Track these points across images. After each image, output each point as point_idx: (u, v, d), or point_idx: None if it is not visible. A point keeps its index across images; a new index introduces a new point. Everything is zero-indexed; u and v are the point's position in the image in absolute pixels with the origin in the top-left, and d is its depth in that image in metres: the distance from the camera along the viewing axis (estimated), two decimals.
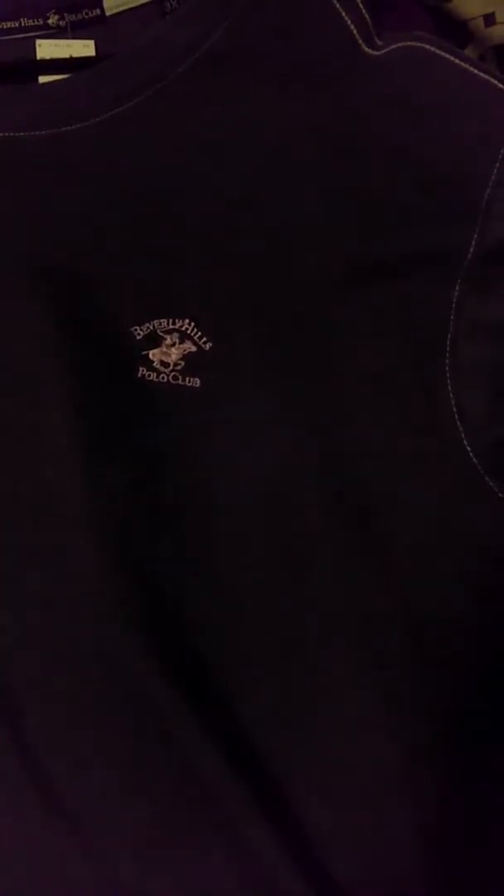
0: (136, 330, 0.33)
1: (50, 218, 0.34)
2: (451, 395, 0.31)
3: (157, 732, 0.29)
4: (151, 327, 0.33)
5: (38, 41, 0.36)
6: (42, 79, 0.36)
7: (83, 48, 0.36)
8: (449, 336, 0.31)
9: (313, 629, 0.30)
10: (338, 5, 0.35)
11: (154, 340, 0.33)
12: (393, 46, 0.34)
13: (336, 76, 0.34)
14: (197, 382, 0.32)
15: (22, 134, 0.35)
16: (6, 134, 0.35)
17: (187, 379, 0.32)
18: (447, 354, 0.31)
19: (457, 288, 0.31)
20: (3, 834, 0.30)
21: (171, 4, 0.36)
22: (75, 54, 0.36)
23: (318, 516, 0.31)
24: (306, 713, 0.30)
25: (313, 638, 0.30)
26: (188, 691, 0.29)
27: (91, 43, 0.36)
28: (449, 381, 0.31)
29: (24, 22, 0.36)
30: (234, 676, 0.30)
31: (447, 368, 0.31)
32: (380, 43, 0.34)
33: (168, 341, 0.33)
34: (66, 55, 0.36)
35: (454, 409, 0.31)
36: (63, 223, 0.34)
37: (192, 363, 0.32)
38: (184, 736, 0.29)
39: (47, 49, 0.36)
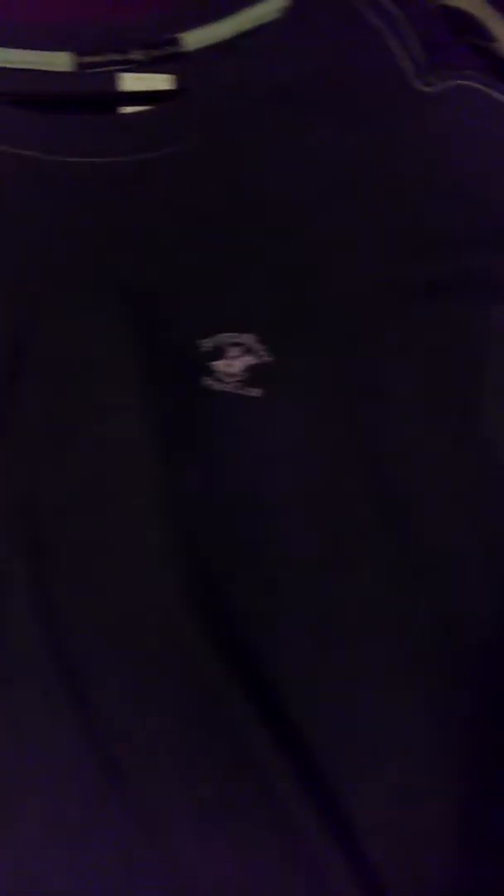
0: (202, 342, 0.35)
1: (129, 237, 0.37)
2: (493, 409, 0.33)
3: (217, 718, 0.31)
4: (217, 340, 0.35)
5: (121, 75, 0.39)
6: (124, 110, 0.39)
7: (163, 83, 0.39)
8: (491, 352, 0.34)
9: (355, 622, 0.32)
10: (392, 46, 0.38)
11: (219, 353, 0.35)
12: (444, 85, 0.37)
13: (391, 112, 0.37)
14: (258, 393, 0.34)
15: (104, 160, 0.38)
16: (89, 160, 0.38)
17: (249, 389, 0.35)
18: (490, 369, 0.34)
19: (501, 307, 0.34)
20: (67, 809, 0.31)
21: (248, 43, 0.39)
22: (157, 88, 0.39)
23: (364, 518, 0.33)
24: (350, 702, 0.31)
25: (355, 631, 0.32)
26: (244, 679, 0.31)
27: (171, 78, 0.39)
28: (491, 395, 0.33)
29: (110, 56, 0.39)
30: (283, 665, 0.31)
31: (490, 383, 0.34)
32: (432, 81, 0.37)
33: (232, 354, 0.35)
34: (148, 89, 0.38)
35: (496, 423, 0.33)
36: (140, 243, 0.37)
37: (254, 375, 0.35)
38: (239, 721, 0.30)
39: (129, 83, 0.39)
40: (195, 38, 0.39)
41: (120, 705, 0.31)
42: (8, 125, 0.38)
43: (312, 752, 0.30)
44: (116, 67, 0.39)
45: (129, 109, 0.39)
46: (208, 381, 0.35)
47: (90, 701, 0.31)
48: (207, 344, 0.35)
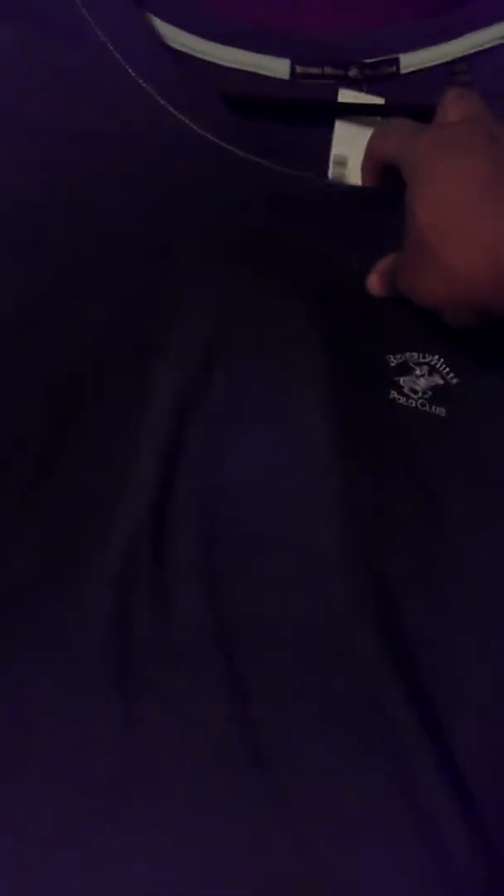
0: (390, 358, 0.37)
1: (325, 252, 0.39)
2: None
3: (376, 722, 0.31)
4: (404, 358, 0.37)
5: (341, 90, 0.40)
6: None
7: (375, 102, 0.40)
8: None
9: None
10: None
11: (405, 369, 0.37)
12: None
13: None
14: (443, 412, 0.36)
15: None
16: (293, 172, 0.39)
17: (434, 407, 0.36)
18: None
19: None
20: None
21: (462, 67, 0.40)
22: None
23: None
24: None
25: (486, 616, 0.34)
26: (409, 696, 0.32)
27: (381, 99, 0.40)
28: None
29: (327, 70, 0.40)
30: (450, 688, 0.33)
31: None
32: None
33: (418, 372, 0.37)
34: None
35: None
36: (338, 260, 0.39)
37: (438, 394, 0.36)
38: (401, 743, 0.31)
39: (348, 99, 0.40)
40: (410, 61, 0.41)
41: (280, 709, 0.32)
42: (224, 122, 0.39)
43: (467, 782, 0.31)
44: (332, 82, 0.40)
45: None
46: (394, 395, 0.37)
47: (251, 693, 0.32)
48: (395, 359, 0.37)
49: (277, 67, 0.40)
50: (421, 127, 0.33)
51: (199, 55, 0.40)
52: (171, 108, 0.37)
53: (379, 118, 0.40)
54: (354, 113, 0.40)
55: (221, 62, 0.40)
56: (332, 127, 0.41)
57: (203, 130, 0.38)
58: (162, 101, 0.38)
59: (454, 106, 0.34)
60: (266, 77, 0.40)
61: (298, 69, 0.40)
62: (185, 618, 0.33)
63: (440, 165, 0.30)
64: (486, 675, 0.33)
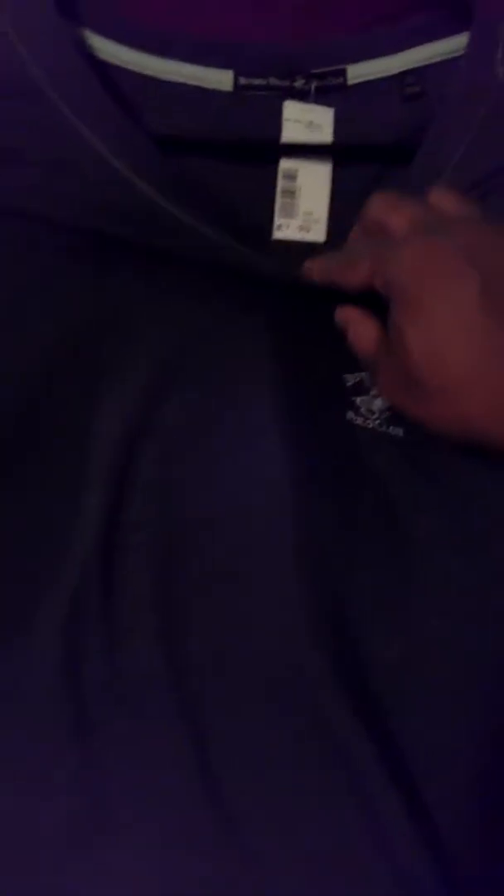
0: (346, 377, 0.36)
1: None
2: None
3: (338, 760, 0.31)
4: (360, 377, 0.36)
5: (286, 102, 0.39)
6: (283, 166, 0.39)
7: (323, 114, 0.39)
8: None
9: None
10: None
11: (362, 389, 0.36)
12: None
13: None
14: (400, 432, 0.35)
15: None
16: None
17: (391, 427, 0.35)
18: None
19: None
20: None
21: (411, 80, 0.39)
22: (316, 120, 0.39)
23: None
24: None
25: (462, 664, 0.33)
26: (370, 731, 0.31)
27: (331, 111, 0.39)
28: None
29: (272, 81, 0.39)
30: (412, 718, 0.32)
31: None
32: None
33: (374, 391, 0.36)
34: (308, 120, 0.38)
35: None
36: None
37: (395, 414, 0.35)
38: (364, 776, 0.31)
39: (293, 110, 0.39)
40: (359, 71, 0.39)
41: (238, 747, 0.31)
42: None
43: (440, 828, 0.31)
44: (277, 93, 0.39)
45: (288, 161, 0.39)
46: (351, 415, 0.36)
47: (207, 733, 0.31)
48: (352, 379, 0.36)
49: (220, 79, 0.39)
50: (398, 241, 0.32)
51: (138, 69, 0.38)
52: (116, 164, 0.35)
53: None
54: (300, 153, 0.39)
55: (161, 76, 0.38)
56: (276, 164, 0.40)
57: (144, 185, 0.35)
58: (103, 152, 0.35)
59: (445, 203, 0.34)
60: (208, 90, 0.39)
61: (242, 81, 0.39)
62: (137, 658, 0.32)
63: (431, 290, 0.29)
64: (448, 703, 0.32)
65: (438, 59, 0.39)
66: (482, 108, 0.37)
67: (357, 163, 0.40)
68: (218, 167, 0.38)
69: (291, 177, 0.39)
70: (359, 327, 0.34)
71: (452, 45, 0.40)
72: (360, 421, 0.36)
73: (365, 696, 0.32)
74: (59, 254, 0.35)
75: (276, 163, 0.40)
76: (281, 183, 0.39)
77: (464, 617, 0.33)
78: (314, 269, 0.35)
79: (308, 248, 0.39)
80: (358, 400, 0.36)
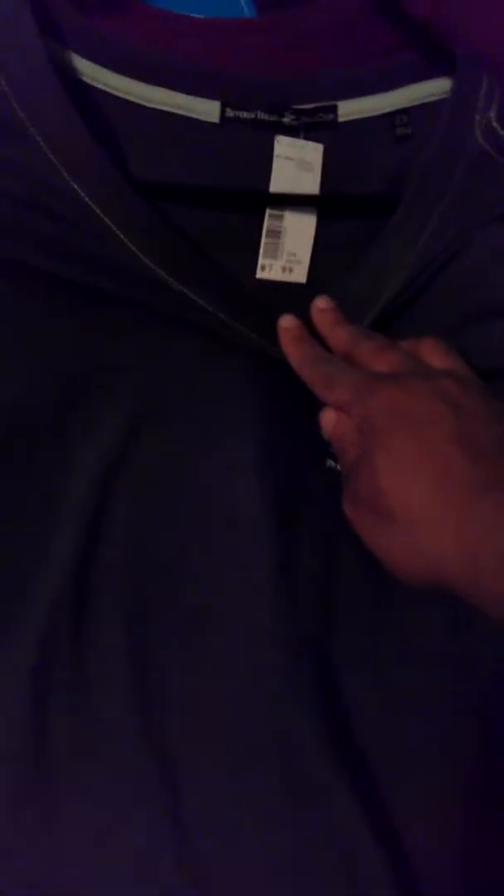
0: None
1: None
2: None
3: (317, 815, 0.31)
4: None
5: (278, 137, 0.38)
6: (269, 210, 0.38)
7: (314, 151, 0.38)
8: None
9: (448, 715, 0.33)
10: None
11: None
12: None
13: None
14: None
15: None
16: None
17: None
18: None
19: None
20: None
21: (402, 120, 0.38)
22: (307, 157, 0.38)
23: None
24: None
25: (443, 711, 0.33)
26: (350, 785, 0.31)
27: (321, 147, 0.38)
28: None
29: (260, 115, 0.38)
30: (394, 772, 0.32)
31: None
32: None
33: None
34: (299, 157, 0.37)
35: None
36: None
37: None
38: (343, 827, 0.30)
39: (285, 147, 0.38)
40: (349, 109, 0.38)
41: (210, 796, 0.31)
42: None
43: (420, 877, 0.31)
44: (266, 127, 0.38)
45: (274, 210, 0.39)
46: (331, 463, 0.36)
47: (179, 782, 0.31)
48: None
49: (206, 110, 0.37)
50: (373, 379, 0.32)
51: (124, 95, 0.37)
52: (97, 212, 0.34)
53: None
54: (287, 204, 0.38)
55: (147, 103, 0.37)
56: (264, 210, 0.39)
57: (126, 237, 0.34)
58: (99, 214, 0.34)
59: (433, 356, 0.33)
60: (194, 120, 0.37)
61: (229, 113, 0.37)
62: (108, 705, 0.32)
63: (406, 426, 0.29)
64: (432, 757, 0.32)
65: (425, 100, 0.39)
66: (462, 164, 0.38)
67: (344, 212, 0.39)
68: (203, 214, 0.37)
69: (278, 217, 0.39)
70: (343, 427, 0.33)
71: (438, 86, 0.39)
72: (339, 467, 0.35)
73: (343, 742, 0.32)
74: (42, 294, 0.34)
75: (263, 211, 0.39)
76: (267, 223, 0.39)
77: (441, 662, 0.33)
78: (293, 355, 0.35)
79: (290, 289, 0.39)
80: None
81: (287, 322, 0.36)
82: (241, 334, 0.36)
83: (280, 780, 0.31)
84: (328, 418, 0.34)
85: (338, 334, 0.36)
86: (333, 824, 0.30)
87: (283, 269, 0.39)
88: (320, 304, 0.37)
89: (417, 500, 0.28)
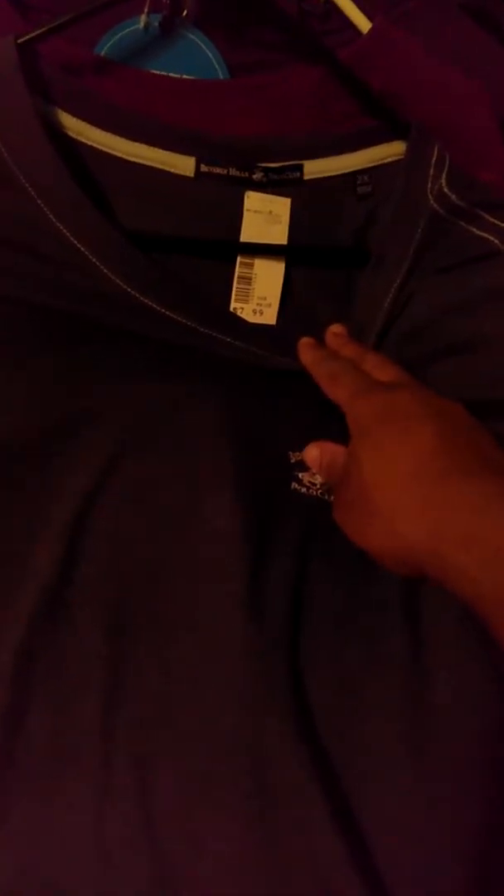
0: (290, 455, 0.39)
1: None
2: None
3: (285, 823, 0.31)
4: (302, 456, 0.39)
5: (248, 192, 0.41)
6: (240, 258, 0.42)
7: (282, 205, 0.42)
8: None
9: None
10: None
11: (304, 466, 0.38)
12: None
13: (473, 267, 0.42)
14: None
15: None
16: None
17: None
18: None
19: None
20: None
21: (364, 179, 0.42)
22: (275, 210, 0.41)
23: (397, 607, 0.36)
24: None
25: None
26: (321, 790, 0.31)
27: (288, 201, 0.42)
28: None
29: (232, 171, 0.41)
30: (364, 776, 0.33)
31: None
32: None
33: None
34: (267, 210, 0.41)
35: None
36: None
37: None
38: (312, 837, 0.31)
39: (254, 201, 0.41)
40: (313, 168, 0.42)
41: (184, 807, 0.31)
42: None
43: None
44: (237, 182, 0.41)
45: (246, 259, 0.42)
46: (295, 486, 0.38)
47: (152, 796, 0.31)
48: (295, 457, 0.39)
49: (182, 164, 0.41)
50: (372, 383, 0.35)
51: (107, 150, 0.40)
52: (95, 260, 0.37)
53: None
54: (257, 252, 0.42)
55: (128, 157, 0.40)
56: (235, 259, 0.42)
57: (113, 275, 0.38)
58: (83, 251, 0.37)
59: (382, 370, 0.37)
60: (171, 174, 0.41)
61: (203, 168, 0.41)
62: (84, 714, 0.33)
63: (391, 427, 0.32)
64: (401, 761, 0.33)
65: (384, 161, 0.43)
66: (422, 224, 0.41)
67: (311, 261, 0.43)
68: (182, 260, 0.40)
69: (248, 265, 0.42)
70: (328, 456, 0.36)
71: (394, 149, 0.43)
72: (304, 490, 0.38)
73: (313, 742, 0.33)
74: (30, 327, 0.37)
75: (235, 260, 0.42)
76: (238, 270, 0.42)
77: (403, 666, 0.35)
78: (307, 357, 0.39)
79: (263, 330, 0.42)
80: (300, 475, 0.38)
81: (305, 339, 0.40)
82: (229, 346, 0.39)
83: (252, 779, 0.32)
84: (312, 455, 0.36)
85: (348, 350, 0.39)
86: (304, 823, 0.31)
87: (254, 311, 0.42)
88: (335, 329, 0.40)
89: (397, 492, 0.31)
